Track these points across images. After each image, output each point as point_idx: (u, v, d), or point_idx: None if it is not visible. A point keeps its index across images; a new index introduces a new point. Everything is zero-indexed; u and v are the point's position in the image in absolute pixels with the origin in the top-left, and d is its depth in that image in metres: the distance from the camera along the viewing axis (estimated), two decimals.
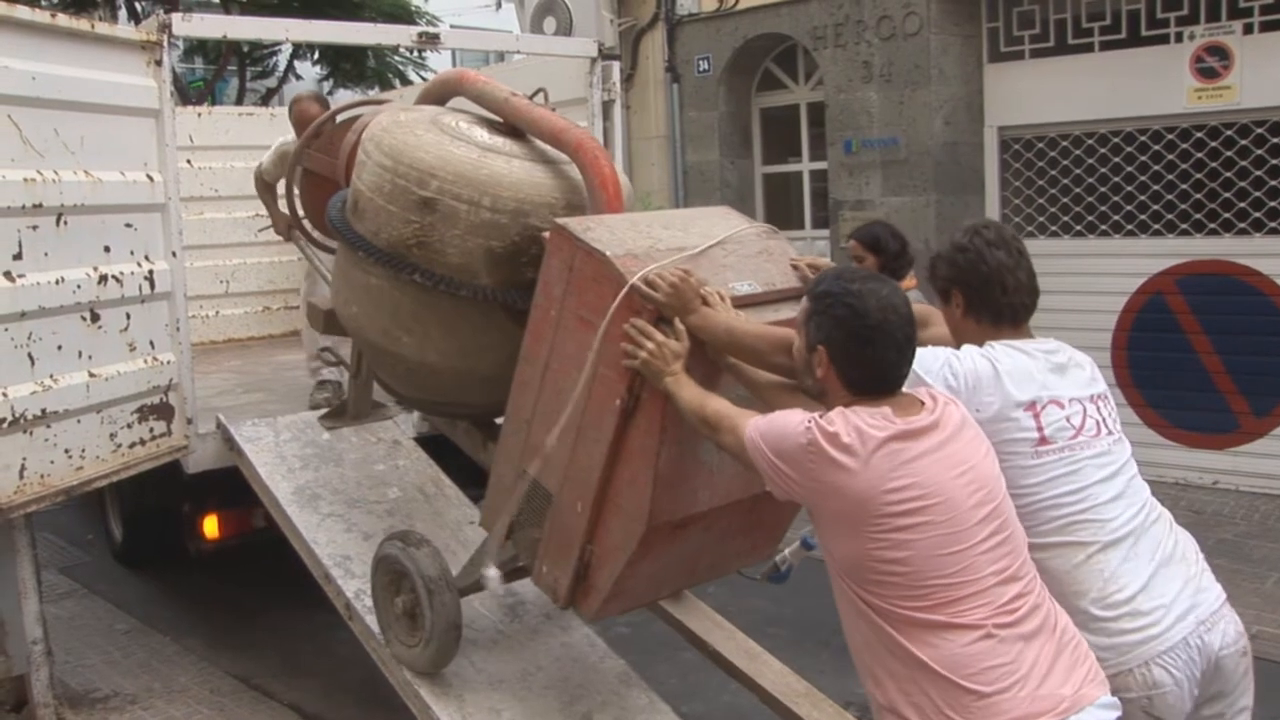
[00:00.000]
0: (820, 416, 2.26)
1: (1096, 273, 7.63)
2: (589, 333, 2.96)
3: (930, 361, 2.52)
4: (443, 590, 3.59)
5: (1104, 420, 2.61)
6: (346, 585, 4.08)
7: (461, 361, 3.70)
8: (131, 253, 4.32)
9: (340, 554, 4.19)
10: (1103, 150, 7.60)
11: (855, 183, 8.46)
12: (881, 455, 2.18)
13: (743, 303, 2.97)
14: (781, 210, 9.64)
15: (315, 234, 5.33)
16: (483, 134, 3.69)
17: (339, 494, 4.55)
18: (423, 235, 3.53)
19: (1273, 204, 6.97)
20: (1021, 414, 2.50)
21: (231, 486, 4.87)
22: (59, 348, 3.98)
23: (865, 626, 2.25)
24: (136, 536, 6.54)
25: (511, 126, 3.75)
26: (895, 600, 2.18)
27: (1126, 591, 2.46)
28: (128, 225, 4.28)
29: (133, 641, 5.64)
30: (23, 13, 3.86)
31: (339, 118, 5.04)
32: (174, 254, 4.52)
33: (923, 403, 2.31)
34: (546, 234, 3.21)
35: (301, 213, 5.28)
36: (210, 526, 5.67)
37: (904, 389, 2.36)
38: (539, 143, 3.71)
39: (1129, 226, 7.56)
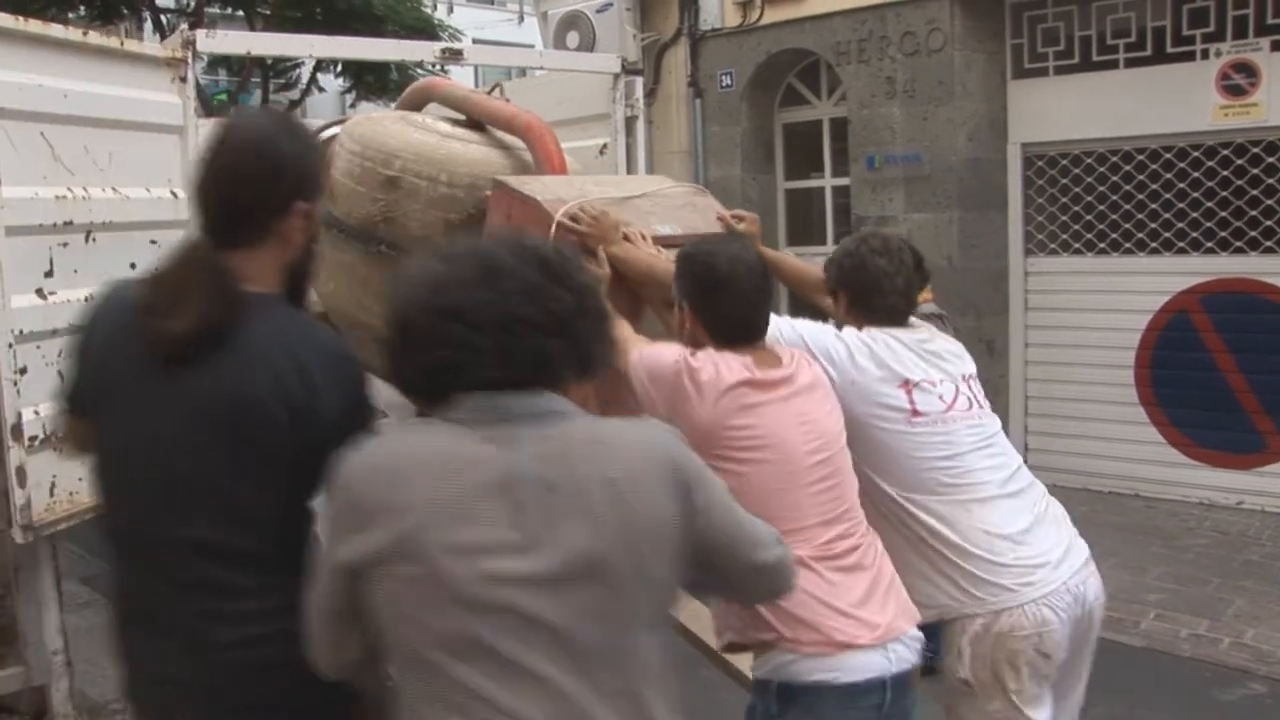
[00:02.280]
0: (692, 354, 2.52)
1: (1120, 290, 7.60)
2: None
3: (817, 336, 2.80)
4: None
5: (974, 397, 2.88)
6: None
7: None
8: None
9: None
10: (1127, 168, 7.56)
11: (878, 199, 8.44)
12: (729, 396, 2.44)
13: (664, 242, 3.23)
14: (803, 226, 9.63)
15: None
16: (445, 125, 4.11)
17: None
18: (388, 211, 3.92)
19: None
20: (894, 389, 2.77)
21: None
22: None
23: None
24: None
25: (475, 122, 4.17)
26: None
27: (1009, 541, 2.73)
28: (152, 242, 4.30)
29: None
30: (57, 31, 3.90)
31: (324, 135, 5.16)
32: None
33: (781, 359, 2.58)
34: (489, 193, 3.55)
35: None
36: None
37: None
38: (499, 133, 4.11)
39: (1153, 244, 7.51)
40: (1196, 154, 7.23)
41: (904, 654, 2.43)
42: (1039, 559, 2.72)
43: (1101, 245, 7.75)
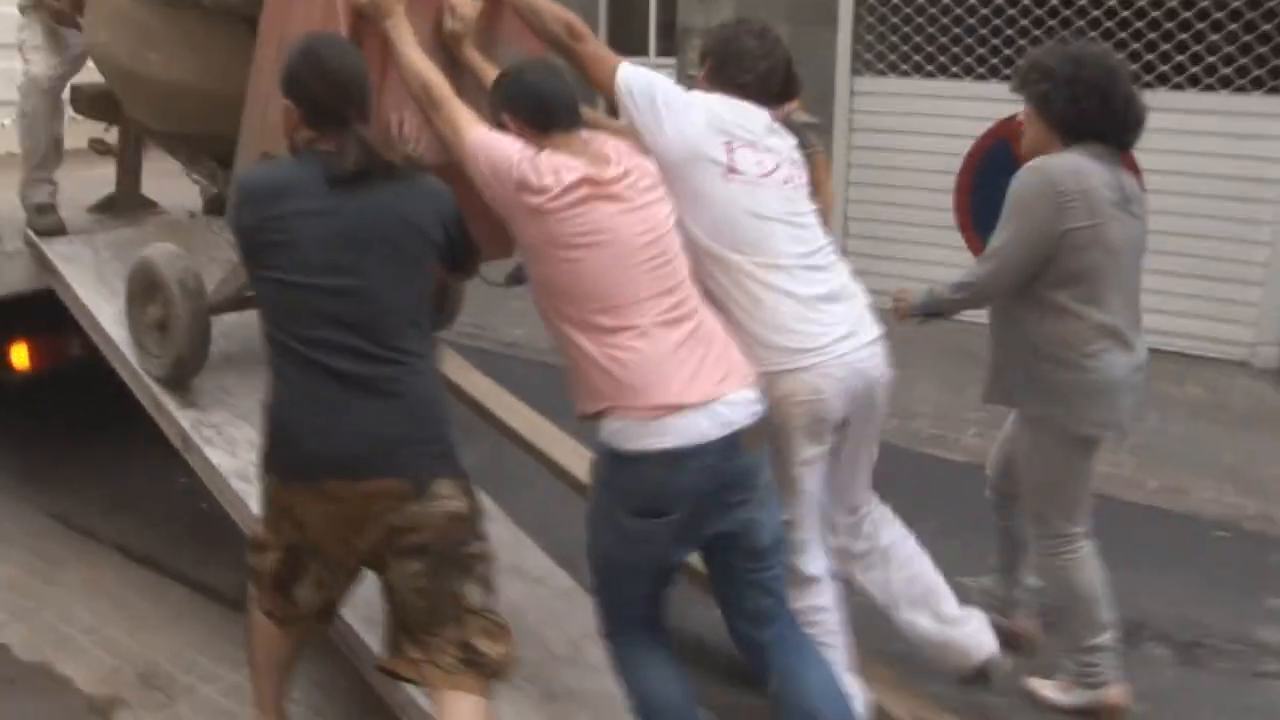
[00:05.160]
0: (536, 153, 2.64)
1: (945, 114, 7.61)
2: None
3: (647, 81, 2.89)
4: (195, 297, 3.71)
5: (794, 178, 2.98)
6: (181, 415, 3.80)
7: (209, 82, 3.80)
8: None
9: None
10: None
11: (705, 8, 8.15)
12: (570, 192, 2.60)
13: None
14: (624, 35, 9.31)
15: None
16: None
17: None
18: None
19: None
20: (716, 143, 2.86)
21: (42, 310, 4.48)
22: None
23: (555, 332, 2.71)
24: None
25: None
26: (573, 306, 2.64)
27: (801, 307, 2.87)
28: None
29: None
30: None
31: None
32: None
33: (610, 158, 2.71)
34: None
35: None
36: (19, 356, 5.15)
37: (634, 98, 2.86)
38: None
39: (979, 70, 7.54)
40: None
41: (729, 415, 2.61)
42: (823, 331, 2.88)
43: (929, 68, 7.74)
